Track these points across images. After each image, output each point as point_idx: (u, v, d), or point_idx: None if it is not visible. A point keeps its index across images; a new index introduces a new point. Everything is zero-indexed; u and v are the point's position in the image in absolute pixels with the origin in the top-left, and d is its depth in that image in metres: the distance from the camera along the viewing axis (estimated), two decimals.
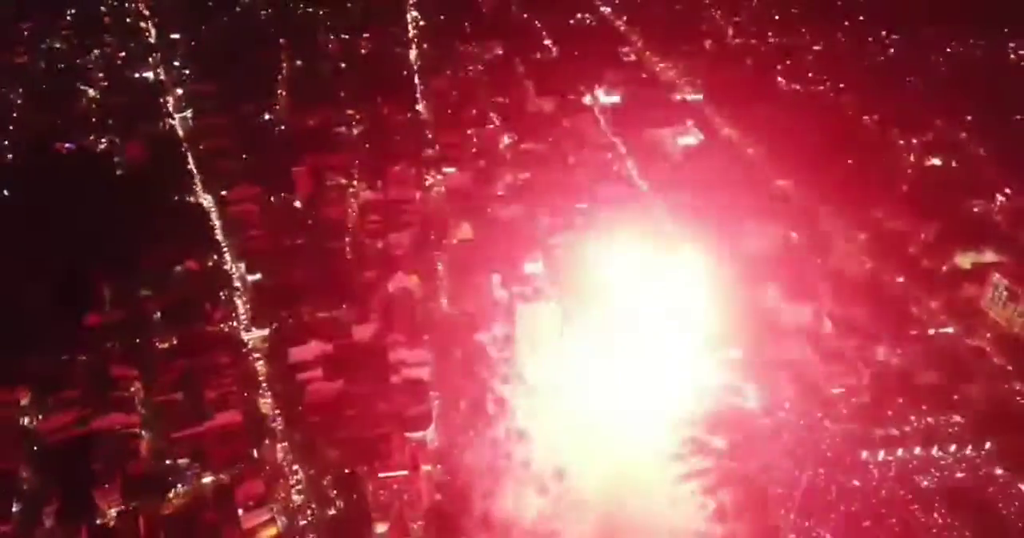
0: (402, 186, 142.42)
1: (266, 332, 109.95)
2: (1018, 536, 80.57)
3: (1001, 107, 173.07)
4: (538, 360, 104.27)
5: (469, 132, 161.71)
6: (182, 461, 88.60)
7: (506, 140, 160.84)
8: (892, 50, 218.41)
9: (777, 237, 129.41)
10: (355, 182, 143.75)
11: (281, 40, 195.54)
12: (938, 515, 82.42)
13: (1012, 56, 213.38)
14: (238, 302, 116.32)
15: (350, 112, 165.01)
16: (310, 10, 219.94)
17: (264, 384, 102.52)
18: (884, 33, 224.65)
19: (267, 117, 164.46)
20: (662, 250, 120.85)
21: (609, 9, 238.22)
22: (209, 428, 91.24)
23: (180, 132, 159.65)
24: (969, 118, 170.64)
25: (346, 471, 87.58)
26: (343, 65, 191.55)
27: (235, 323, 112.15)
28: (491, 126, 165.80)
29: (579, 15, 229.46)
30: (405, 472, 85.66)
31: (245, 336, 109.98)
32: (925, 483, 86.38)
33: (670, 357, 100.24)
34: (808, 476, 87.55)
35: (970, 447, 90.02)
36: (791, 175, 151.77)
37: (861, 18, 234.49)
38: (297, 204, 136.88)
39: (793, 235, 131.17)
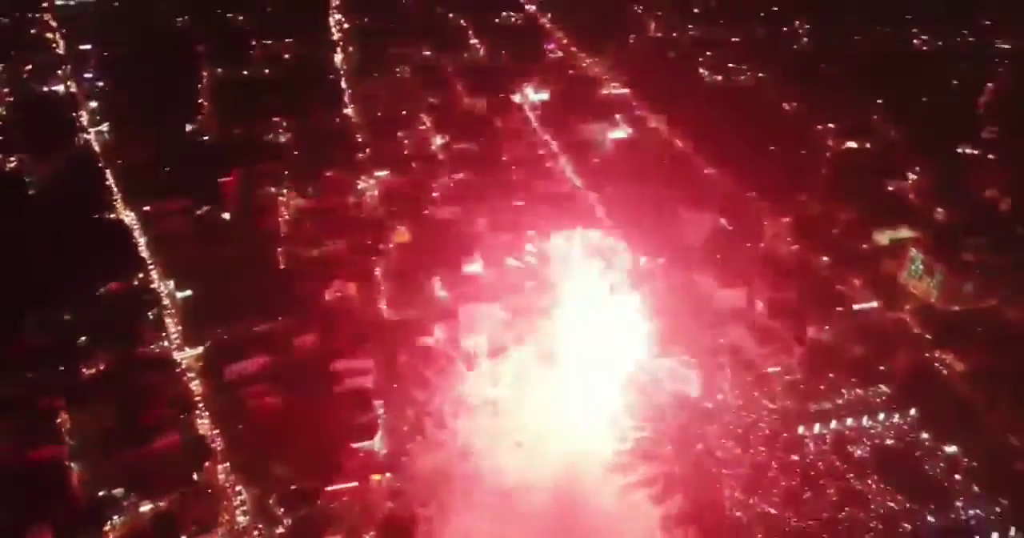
0: (335, 192, 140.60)
1: (200, 350, 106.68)
2: (945, 494, 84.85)
3: (907, 91, 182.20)
4: (483, 362, 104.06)
5: (400, 134, 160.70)
6: (118, 491, 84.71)
7: (439, 141, 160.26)
8: (805, 39, 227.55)
9: (709, 225, 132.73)
10: (286, 190, 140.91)
11: (200, 47, 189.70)
12: (872, 482, 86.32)
13: (915, 42, 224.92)
14: (169, 321, 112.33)
15: (276, 119, 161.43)
16: (228, 15, 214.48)
17: (201, 404, 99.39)
18: (797, 23, 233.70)
19: (189, 127, 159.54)
20: (600, 244, 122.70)
21: (534, 7, 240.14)
22: (145, 454, 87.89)
23: (96, 146, 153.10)
24: (879, 102, 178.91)
25: (293, 488, 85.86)
26: (267, 71, 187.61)
27: (167, 343, 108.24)
28: (423, 127, 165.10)
29: (504, 13, 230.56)
30: (355, 483, 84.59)
31: (178, 355, 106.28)
32: (859, 452, 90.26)
33: (613, 351, 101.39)
34: (750, 454, 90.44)
35: (897, 415, 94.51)
36: (719, 164, 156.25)
37: (775, 9, 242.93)
38: (226, 216, 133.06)
39: (723, 222, 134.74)
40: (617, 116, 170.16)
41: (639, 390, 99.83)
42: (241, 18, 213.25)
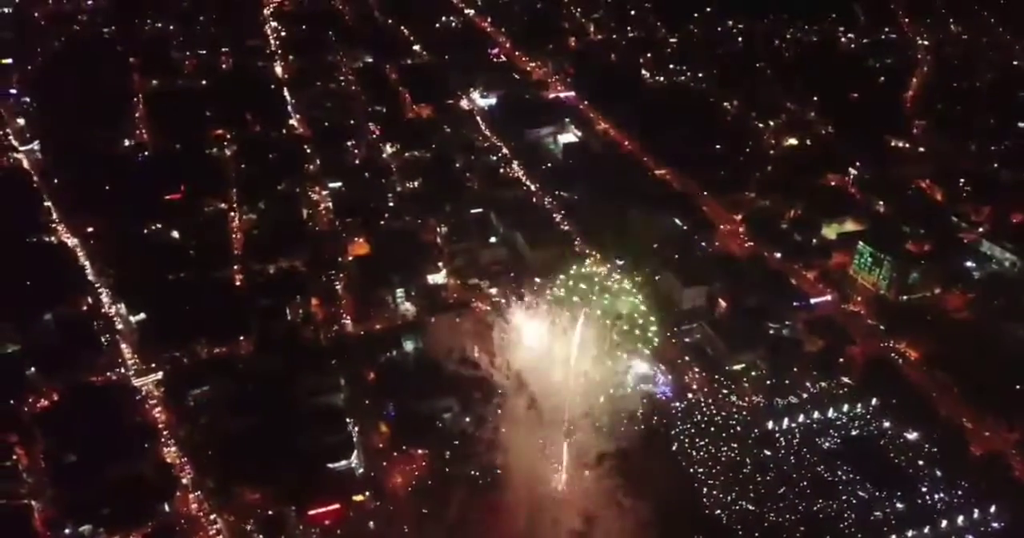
0: (286, 206, 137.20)
1: (159, 375, 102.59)
2: (910, 480, 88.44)
3: (839, 88, 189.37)
4: (451, 372, 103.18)
5: (350, 144, 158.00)
6: (84, 528, 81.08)
7: (389, 149, 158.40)
8: (740, 39, 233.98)
9: (664, 225, 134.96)
10: (235, 206, 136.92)
11: (131, 59, 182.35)
12: (842, 471, 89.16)
13: (843, 40, 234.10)
14: (123, 347, 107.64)
15: (219, 132, 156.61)
16: (158, 25, 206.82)
17: (165, 432, 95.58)
18: (731, 23, 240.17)
19: (128, 143, 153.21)
20: (559, 249, 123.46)
21: (473, 11, 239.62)
22: (110, 487, 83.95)
23: (27, 166, 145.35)
24: (815, 99, 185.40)
25: (270, 513, 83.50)
26: (203, 82, 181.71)
27: (123, 370, 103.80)
28: (372, 136, 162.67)
29: (444, 18, 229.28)
30: (336, 505, 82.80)
31: (136, 382, 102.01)
32: (827, 444, 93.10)
33: (582, 356, 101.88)
34: (724, 453, 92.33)
35: (859, 405, 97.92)
36: (668, 164, 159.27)
37: (709, 10, 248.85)
38: (175, 234, 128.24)
39: (678, 222, 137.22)
40: (566, 119, 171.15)
41: (610, 393, 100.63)
42: (171, 28, 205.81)
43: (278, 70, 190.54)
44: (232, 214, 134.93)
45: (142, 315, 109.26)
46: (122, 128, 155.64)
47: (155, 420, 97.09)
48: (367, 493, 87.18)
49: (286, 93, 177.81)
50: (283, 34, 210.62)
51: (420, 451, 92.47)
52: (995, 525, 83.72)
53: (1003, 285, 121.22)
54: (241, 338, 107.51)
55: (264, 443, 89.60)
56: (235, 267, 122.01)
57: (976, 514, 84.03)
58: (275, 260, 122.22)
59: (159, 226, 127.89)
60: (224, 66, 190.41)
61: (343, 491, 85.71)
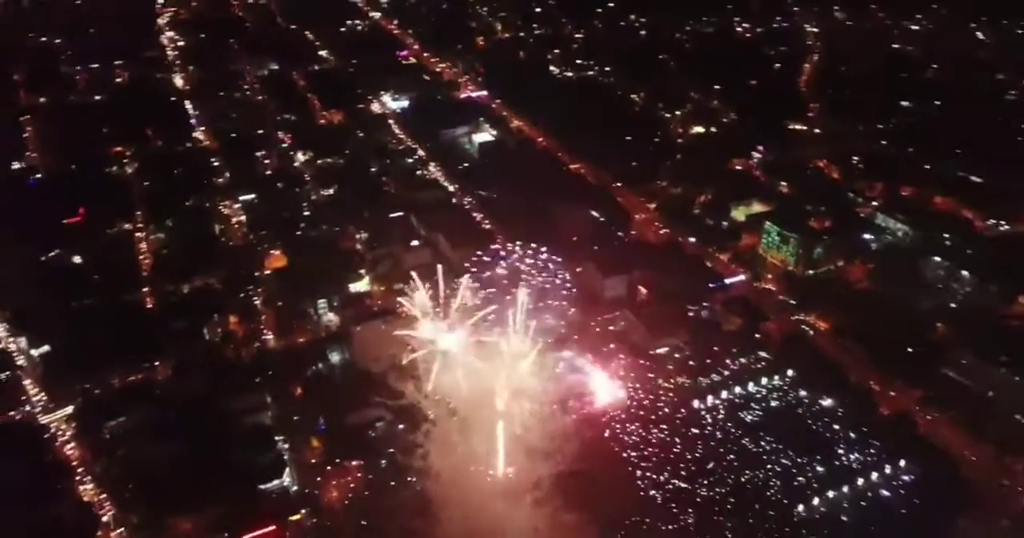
0: (196, 222, 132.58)
1: (70, 410, 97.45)
2: (827, 444, 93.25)
3: (738, 76, 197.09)
4: (381, 380, 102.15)
5: (260, 154, 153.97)
6: None
7: (301, 157, 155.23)
8: (643, 32, 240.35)
9: (582, 218, 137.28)
10: (140, 225, 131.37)
11: (15, 76, 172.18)
12: (765, 443, 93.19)
13: (739, 30, 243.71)
14: (26, 382, 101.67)
15: (118, 149, 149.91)
16: (43, 38, 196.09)
17: (81, 468, 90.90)
18: (633, 17, 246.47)
19: (17, 166, 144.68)
20: (481, 249, 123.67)
21: (379, 14, 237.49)
22: (26, 532, 79.27)
23: None
24: (717, 87, 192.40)
25: None
26: (97, 97, 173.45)
27: (28, 407, 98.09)
28: (282, 145, 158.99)
29: (350, 22, 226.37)
30: (272, 527, 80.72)
31: (44, 419, 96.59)
32: (750, 418, 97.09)
33: (510, 350, 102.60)
34: (653, 434, 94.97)
35: (777, 377, 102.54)
36: (582, 157, 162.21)
37: (611, 5, 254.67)
38: (77, 259, 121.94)
39: (595, 214, 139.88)
40: (480, 119, 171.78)
41: (539, 385, 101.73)
42: (59, 41, 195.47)
43: (178, 81, 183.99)
44: (139, 234, 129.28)
45: (46, 347, 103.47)
46: (10, 149, 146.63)
47: (68, 458, 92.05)
48: (303, 511, 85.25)
49: (188, 105, 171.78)
50: (181, 44, 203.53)
51: (354, 463, 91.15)
52: (905, 478, 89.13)
53: (898, 254, 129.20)
54: (157, 363, 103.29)
55: (190, 469, 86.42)
56: (145, 289, 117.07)
57: (888, 470, 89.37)
58: (188, 279, 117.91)
59: (59, 252, 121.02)
60: (119, 79, 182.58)
61: (278, 512, 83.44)
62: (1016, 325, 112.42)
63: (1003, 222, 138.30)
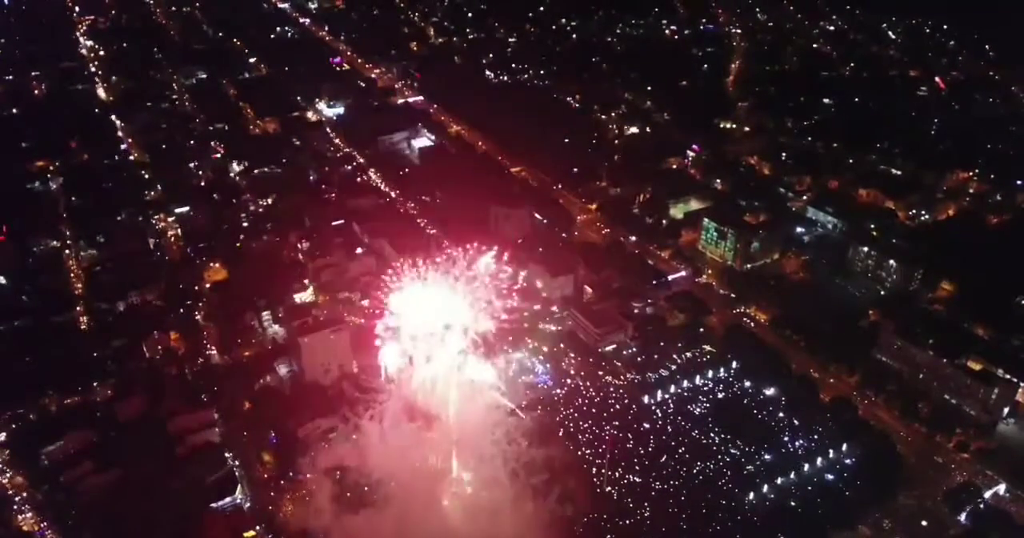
0: (130, 237, 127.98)
1: (2, 437, 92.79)
2: (772, 432, 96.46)
3: (668, 77, 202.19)
4: (331, 390, 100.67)
5: (192, 165, 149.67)
6: None
7: (236, 167, 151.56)
8: (574, 36, 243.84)
9: (524, 220, 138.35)
10: (69, 242, 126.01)
11: None
12: (714, 434, 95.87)
13: (667, 32, 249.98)
14: None
15: (41, 164, 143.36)
16: None
17: (19, 497, 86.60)
18: (564, 21, 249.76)
19: None
20: (424, 253, 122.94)
21: (308, 20, 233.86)
22: None
23: None
24: (649, 89, 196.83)
25: None
26: (15, 111, 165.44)
27: None
28: (216, 155, 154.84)
29: (279, 29, 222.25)
30: None
31: None
32: (698, 410, 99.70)
33: (464, 355, 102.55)
34: (607, 431, 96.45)
35: (722, 369, 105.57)
36: (521, 161, 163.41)
37: (541, 8, 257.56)
38: (2, 280, 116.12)
39: (538, 216, 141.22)
40: (418, 124, 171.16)
41: (493, 387, 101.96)
42: None
43: (101, 92, 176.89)
44: (67, 251, 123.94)
45: None
46: None
47: (3, 486, 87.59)
48: (258, 527, 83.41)
49: (113, 117, 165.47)
50: (102, 53, 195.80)
51: (308, 476, 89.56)
52: (847, 461, 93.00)
53: (828, 245, 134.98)
54: (96, 384, 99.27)
55: (138, 491, 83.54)
56: (78, 308, 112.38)
57: (832, 454, 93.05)
58: (124, 296, 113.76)
59: None
60: (37, 91, 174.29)
61: (232, 529, 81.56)
62: (940, 309, 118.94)
63: (923, 212, 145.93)
